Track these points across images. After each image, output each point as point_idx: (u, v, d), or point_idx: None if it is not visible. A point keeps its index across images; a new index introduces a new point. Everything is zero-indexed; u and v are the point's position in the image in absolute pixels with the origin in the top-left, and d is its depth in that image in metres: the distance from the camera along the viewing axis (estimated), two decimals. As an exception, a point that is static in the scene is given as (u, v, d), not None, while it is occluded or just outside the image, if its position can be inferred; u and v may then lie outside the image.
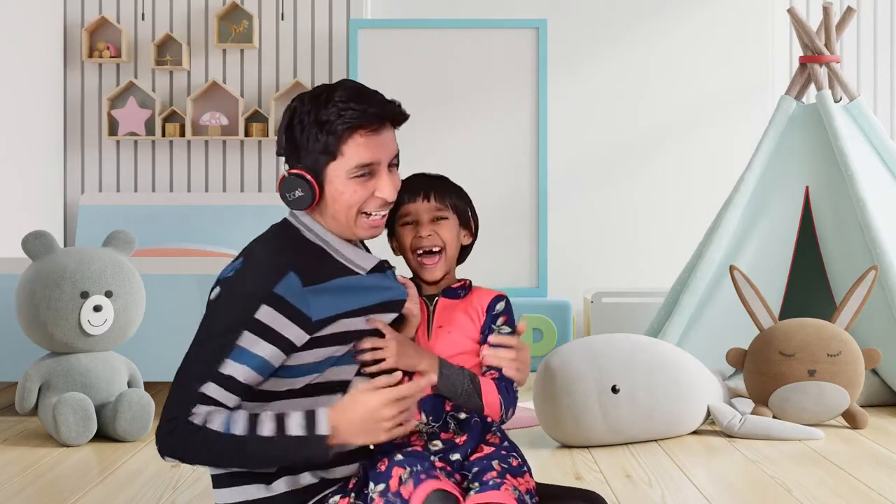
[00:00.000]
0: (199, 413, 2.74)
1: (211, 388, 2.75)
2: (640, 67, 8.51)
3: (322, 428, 2.76)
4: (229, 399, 2.77)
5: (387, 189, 2.91)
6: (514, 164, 7.71)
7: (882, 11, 8.51)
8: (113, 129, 8.20)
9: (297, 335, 2.81)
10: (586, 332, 7.97)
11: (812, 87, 6.87)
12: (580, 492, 3.06)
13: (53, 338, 5.24)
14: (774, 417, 5.52)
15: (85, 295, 5.22)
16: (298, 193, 2.89)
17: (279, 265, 2.81)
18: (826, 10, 6.56)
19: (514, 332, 3.10)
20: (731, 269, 5.70)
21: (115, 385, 5.34)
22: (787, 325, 5.58)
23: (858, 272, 6.11)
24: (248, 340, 2.77)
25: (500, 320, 3.10)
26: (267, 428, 2.75)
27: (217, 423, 2.74)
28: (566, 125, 8.48)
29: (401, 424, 2.79)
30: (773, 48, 8.50)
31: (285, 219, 2.99)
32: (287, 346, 2.81)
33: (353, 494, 2.85)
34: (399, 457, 2.82)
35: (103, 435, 5.26)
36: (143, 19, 8.24)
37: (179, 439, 2.73)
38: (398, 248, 3.17)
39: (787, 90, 6.68)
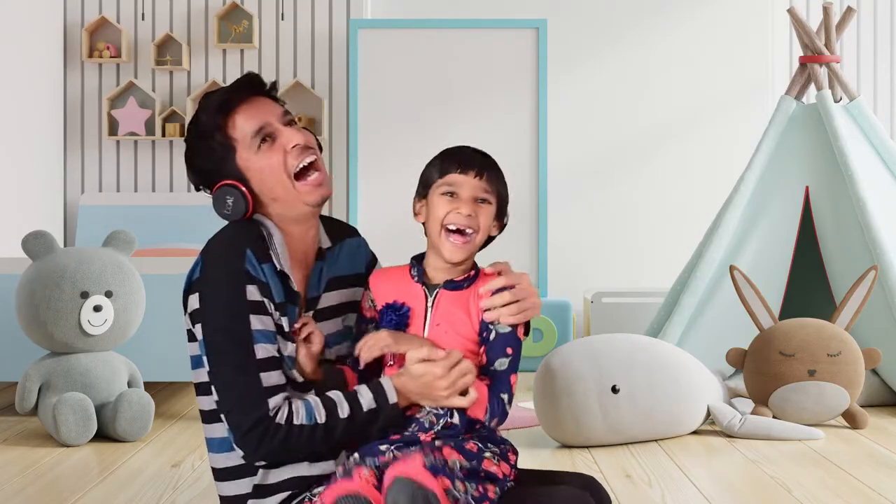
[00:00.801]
0: (278, 409, 2.76)
1: (264, 378, 2.77)
2: (640, 67, 8.51)
3: (391, 397, 2.81)
4: (280, 377, 2.80)
5: (293, 136, 2.92)
6: (515, 164, 7.70)
7: (882, 11, 8.51)
8: (113, 129, 8.20)
9: (277, 314, 2.83)
10: (586, 332, 7.96)
11: (812, 87, 6.87)
12: (578, 477, 3.03)
13: (53, 338, 5.24)
14: (774, 417, 5.52)
15: (85, 295, 5.22)
16: (229, 200, 2.90)
17: (236, 247, 2.83)
18: (826, 10, 6.56)
19: (514, 329, 2.88)
20: (731, 269, 5.71)
21: (115, 385, 5.33)
22: (787, 325, 5.58)
23: (858, 272, 6.11)
24: (256, 322, 2.78)
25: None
26: (344, 409, 2.79)
27: (301, 415, 2.78)
28: (566, 125, 8.48)
29: (464, 393, 2.82)
30: (773, 48, 8.50)
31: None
32: (275, 323, 2.83)
33: None
34: (356, 455, 2.79)
35: (103, 435, 5.26)
36: (143, 19, 8.24)
37: (275, 442, 2.76)
38: (425, 216, 2.95)
39: (787, 90, 6.68)
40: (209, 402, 2.91)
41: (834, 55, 6.59)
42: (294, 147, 2.91)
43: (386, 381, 2.83)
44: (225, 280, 2.80)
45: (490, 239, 2.95)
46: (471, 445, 2.80)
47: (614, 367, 5.17)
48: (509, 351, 2.88)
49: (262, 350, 2.78)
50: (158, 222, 8.02)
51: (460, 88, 7.77)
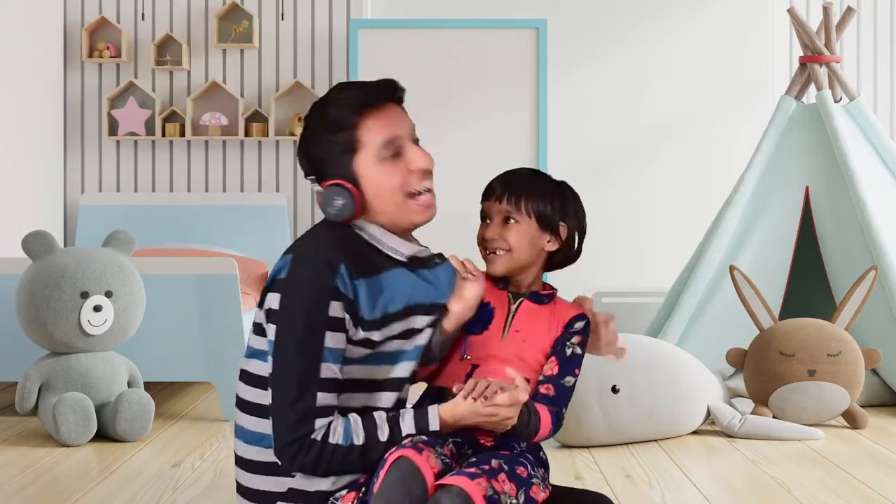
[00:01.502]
0: (320, 427, 2.75)
1: (320, 398, 2.76)
2: (640, 67, 8.51)
3: (433, 425, 2.83)
4: (334, 398, 2.79)
5: (420, 158, 2.89)
6: (515, 164, 7.70)
7: (882, 11, 8.51)
8: (113, 129, 8.20)
9: (352, 329, 2.82)
10: (586, 332, 7.95)
11: (812, 87, 6.87)
12: (590, 495, 3.04)
13: (53, 338, 5.24)
14: (774, 417, 5.52)
15: (85, 295, 5.22)
16: (339, 202, 2.86)
17: (330, 258, 2.80)
18: (826, 10, 6.56)
19: (583, 353, 3.11)
20: (731, 269, 5.71)
21: (115, 385, 5.34)
22: (787, 325, 5.58)
23: (858, 272, 6.11)
24: (331, 339, 2.77)
25: (575, 338, 3.10)
26: (384, 432, 2.79)
27: (338, 435, 2.78)
28: (566, 125, 8.48)
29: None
30: (773, 48, 8.50)
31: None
32: (348, 337, 2.82)
33: (363, 490, 2.85)
34: (424, 438, 2.85)
35: (103, 435, 5.26)
36: (143, 19, 8.23)
37: (310, 458, 2.77)
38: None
39: (787, 90, 6.68)
40: (255, 394, 2.90)
41: (834, 55, 6.59)
42: (419, 170, 2.90)
43: (433, 410, 2.85)
44: (311, 291, 2.78)
45: (556, 254, 3.15)
46: (521, 470, 2.86)
47: (614, 368, 5.18)
48: (577, 371, 3.09)
49: (327, 370, 2.78)
50: (158, 222, 8.02)
51: (460, 88, 7.78)
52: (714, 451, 5.04)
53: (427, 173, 2.92)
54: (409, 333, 2.92)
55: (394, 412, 2.86)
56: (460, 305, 2.98)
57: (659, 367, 5.26)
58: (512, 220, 3.07)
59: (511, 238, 3.06)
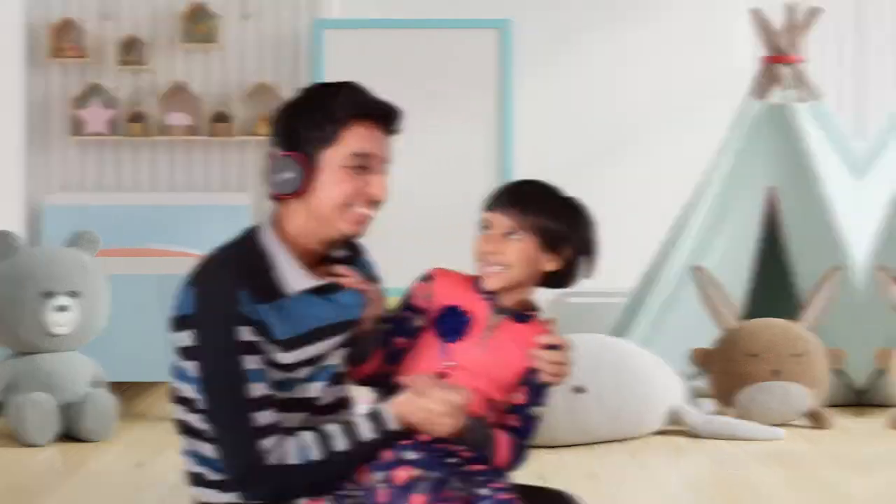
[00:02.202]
0: (269, 450, 2.72)
1: (259, 417, 2.73)
2: (607, 68, 8.49)
3: (390, 425, 2.75)
4: (274, 416, 2.75)
5: (377, 187, 2.83)
6: (478, 167, 7.70)
7: (846, 11, 8.53)
8: (77, 129, 8.17)
9: (273, 351, 2.78)
10: (552, 333, 7.94)
11: (777, 87, 6.90)
12: (553, 493, 3.03)
13: (18, 338, 5.22)
14: (740, 417, 5.53)
15: (49, 295, 5.20)
16: (287, 176, 2.78)
17: (228, 289, 2.76)
18: (790, 10, 6.59)
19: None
20: (695, 269, 5.72)
21: (79, 385, 5.31)
22: (753, 326, 5.60)
23: (823, 272, 6.13)
24: (249, 361, 2.73)
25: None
26: (340, 442, 2.74)
27: (293, 455, 2.72)
28: (533, 128, 8.46)
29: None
30: (738, 48, 8.51)
31: (244, 232, 2.92)
32: (268, 360, 2.78)
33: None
34: (411, 455, 2.77)
35: (68, 435, 5.24)
36: (107, 19, 8.20)
37: (268, 484, 2.71)
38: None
39: (750, 90, 6.70)
40: (196, 419, 2.85)
41: (798, 55, 6.62)
42: (371, 197, 2.85)
43: (386, 410, 2.80)
44: (220, 321, 2.72)
45: (555, 274, 2.94)
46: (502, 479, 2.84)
47: (581, 368, 5.18)
48: (545, 402, 2.92)
49: (257, 389, 2.74)
50: (125, 223, 7.98)
51: (424, 89, 7.74)
52: (680, 451, 5.06)
53: (376, 203, 2.87)
54: (321, 358, 2.88)
55: (346, 421, 2.82)
56: (371, 309, 2.88)
57: (626, 368, 5.27)
58: (513, 236, 2.88)
59: (510, 255, 2.87)
